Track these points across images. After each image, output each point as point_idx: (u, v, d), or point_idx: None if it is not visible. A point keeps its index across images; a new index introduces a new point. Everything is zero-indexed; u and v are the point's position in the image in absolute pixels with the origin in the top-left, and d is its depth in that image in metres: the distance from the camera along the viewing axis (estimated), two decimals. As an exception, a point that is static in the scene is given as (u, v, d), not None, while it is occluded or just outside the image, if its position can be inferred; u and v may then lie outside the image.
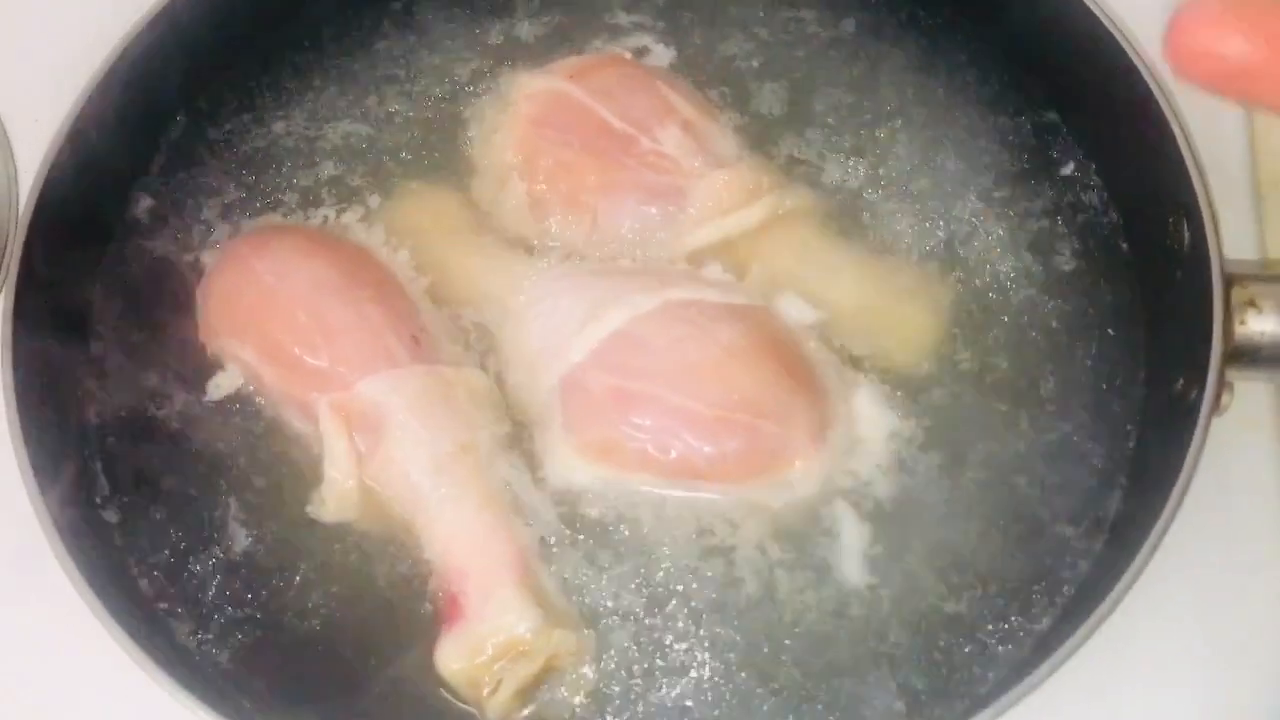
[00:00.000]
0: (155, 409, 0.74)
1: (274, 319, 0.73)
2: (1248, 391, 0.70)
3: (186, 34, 0.79)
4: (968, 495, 0.71)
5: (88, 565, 0.62)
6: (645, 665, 0.67)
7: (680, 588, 0.69)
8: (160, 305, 0.78)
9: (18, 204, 0.98)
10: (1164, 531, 0.61)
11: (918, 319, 0.76)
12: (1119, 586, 0.59)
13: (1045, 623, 0.67)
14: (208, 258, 0.79)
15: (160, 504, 0.72)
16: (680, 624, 0.68)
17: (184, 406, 0.74)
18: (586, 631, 0.67)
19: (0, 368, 0.67)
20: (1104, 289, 0.77)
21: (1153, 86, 0.71)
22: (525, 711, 0.66)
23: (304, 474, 0.72)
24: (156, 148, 0.83)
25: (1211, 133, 0.78)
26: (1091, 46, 0.75)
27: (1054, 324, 0.76)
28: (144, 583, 0.69)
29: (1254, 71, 0.32)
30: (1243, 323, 0.66)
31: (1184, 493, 0.61)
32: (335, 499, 0.70)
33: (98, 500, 0.71)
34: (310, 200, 0.81)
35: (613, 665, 0.67)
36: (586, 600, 0.68)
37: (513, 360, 0.75)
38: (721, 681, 0.67)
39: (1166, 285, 0.72)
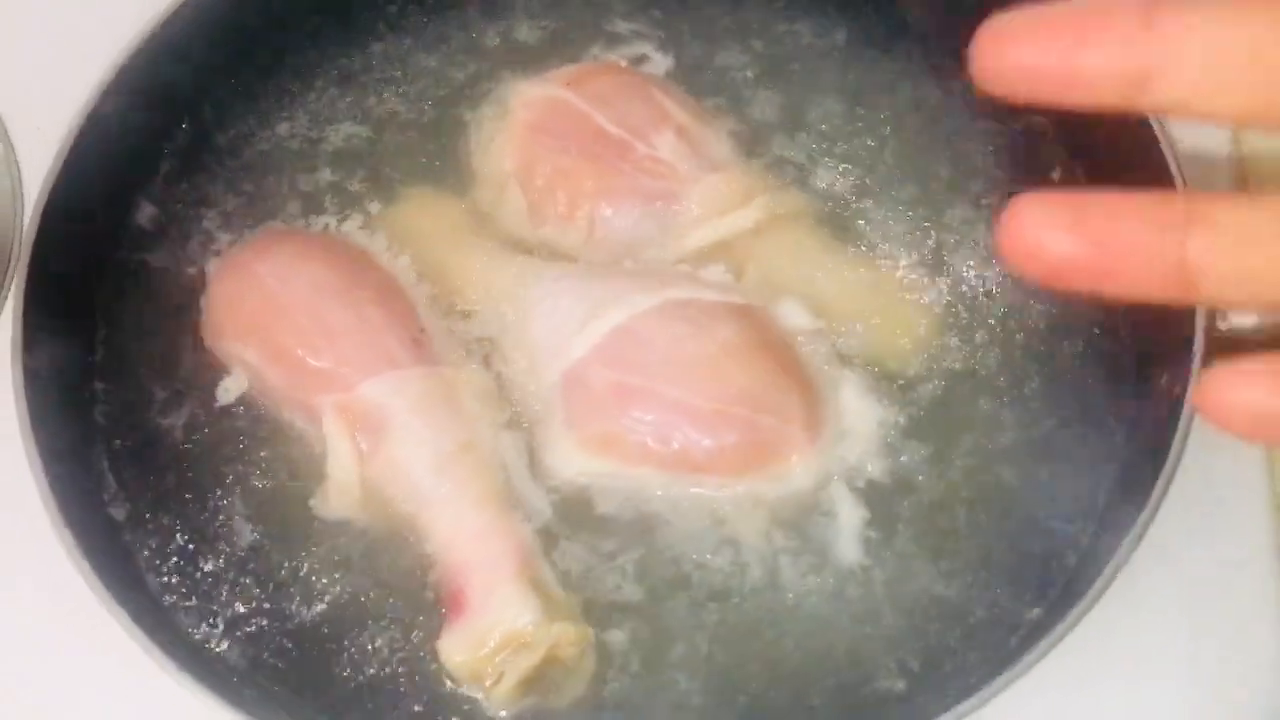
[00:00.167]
0: (160, 410, 0.76)
1: (277, 322, 0.74)
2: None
3: (190, 41, 0.81)
4: (957, 488, 0.72)
5: (98, 560, 0.63)
6: (648, 654, 0.68)
7: (681, 577, 0.70)
8: (165, 310, 0.79)
9: (23, 213, 1.00)
10: (1149, 520, 0.63)
11: (909, 320, 0.78)
12: (1106, 572, 0.61)
13: (1036, 612, 0.68)
14: (211, 263, 0.80)
15: (166, 502, 0.73)
16: (681, 613, 0.69)
17: (188, 408, 0.75)
18: (588, 623, 0.68)
19: (10, 370, 0.68)
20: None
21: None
22: (528, 701, 0.67)
23: (307, 473, 0.73)
24: (161, 155, 0.84)
25: (1195, 136, 0.79)
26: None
27: (1041, 326, 0.77)
28: (151, 578, 0.70)
29: (1077, 272, 0.33)
30: (1223, 318, 0.68)
31: (1169, 481, 0.63)
32: (338, 497, 0.71)
33: (105, 499, 0.72)
34: (312, 207, 0.82)
35: (615, 655, 0.68)
36: (589, 592, 0.70)
37: (514, 359, 0.76)
38: (724, 668, 0.68)
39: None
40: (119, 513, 0.72)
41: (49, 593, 0.68)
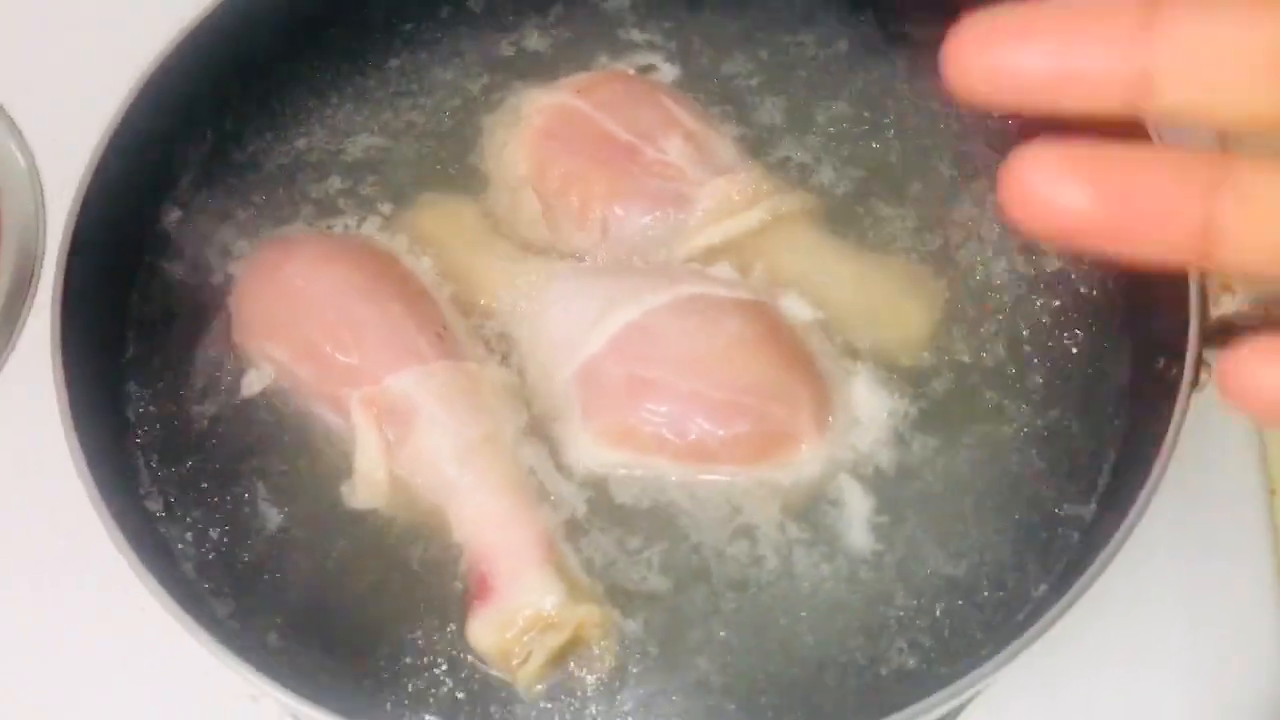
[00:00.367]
0: (191, 407, 0.78)
1: (305, 320, 0.77)
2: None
3: (211, 57, 0.83)
4: (964, 473, 0.74)
5: (138, 549, 0.65)
6: (667, 639, 0.70)
7: (701, 567, 0.72)
8: (193, 311, 0.81)
9: (45, 228, 1.03)
10: (1149, 499, 0.64)
11: (914, 315, 0.80)
12: (1110, 546, 0.62)
13: (1042, 588, 0.70)
14: (237, 266, 0.83)
15: (200, 495, 0.75)
16: (700, 601, 0.71)
17: (218, 404, 0.78)
18: (610, 606, 0.70)
19: (51, 372, 0.71)
20: (1089, 285, 0.80)
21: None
22: (554, 679, 0.69)
23: (336, 464, 0.75)
24: (186, 165, 0.86)
25: (1186, 130, 0.82)
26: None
27: (1044, 319, 0.80)
28: (187, 566, 0.72)
29: (1089, 229, 0.30)
30: (1217, 305, 0.70)
31: (1168, 461, 0.65)
32: (366, 487, 0.73)
33: (141, 492, 0.75)
34: (331, 212, 0.85)
35: (637, 639, 0.70)
36: (611, 578, 0.72)
37: (532, 355, 0.78)
38: (742, 651, 0.70)
39: (1147, 275, 0.76)
40: (154, 505, 0.75)
41: (95, 579, 0.73)
